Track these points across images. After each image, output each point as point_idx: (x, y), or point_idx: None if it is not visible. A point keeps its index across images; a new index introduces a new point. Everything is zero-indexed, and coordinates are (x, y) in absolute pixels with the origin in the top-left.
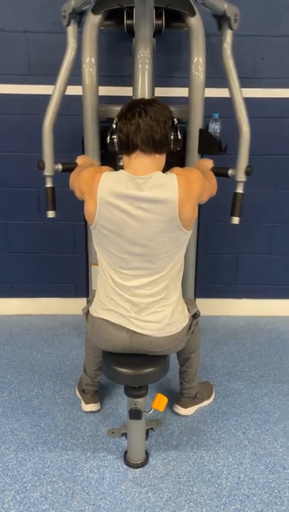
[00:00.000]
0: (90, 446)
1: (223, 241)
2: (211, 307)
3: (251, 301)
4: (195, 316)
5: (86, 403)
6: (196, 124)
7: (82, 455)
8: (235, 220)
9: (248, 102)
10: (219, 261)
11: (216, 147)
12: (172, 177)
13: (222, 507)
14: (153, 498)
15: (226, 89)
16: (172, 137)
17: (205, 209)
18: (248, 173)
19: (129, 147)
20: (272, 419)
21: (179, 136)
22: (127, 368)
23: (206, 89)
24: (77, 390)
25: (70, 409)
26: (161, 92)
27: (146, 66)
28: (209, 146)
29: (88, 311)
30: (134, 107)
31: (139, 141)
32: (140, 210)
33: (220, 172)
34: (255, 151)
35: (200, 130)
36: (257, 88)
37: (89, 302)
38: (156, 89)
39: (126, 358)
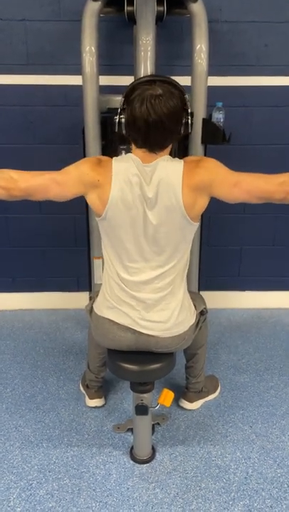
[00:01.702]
0: (95, 442)
1: (226, 233)
2: (215, 300)
3: (255, 293)
4: (202, 312)
5: (90, 398)
6: (199, 113)
7: (87, 451)
8: None
9: (251, 90)
10: (222, 253)
11: (220, 137)
12: (179, 163)
13: (230, 502)
14: (160, 494)
15: (231, 78)
16: (183, 124)
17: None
18: None
19: (137, 143)
20: (279, 412)
21: (190, 120)
22: (132, 364)
23: (209, 77)
24: (81, 385)
25: (75, 404)
26: None
27: (149, 53)
28: (213, 135)
29: (92, 308)
30: (144, 99)
31: (148, 142)
32: (147, 198)
33: None
34: (260, 141)
35: (203, 119)
36: (260, 76)
37: (92, 299)
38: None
39: (131, 355)
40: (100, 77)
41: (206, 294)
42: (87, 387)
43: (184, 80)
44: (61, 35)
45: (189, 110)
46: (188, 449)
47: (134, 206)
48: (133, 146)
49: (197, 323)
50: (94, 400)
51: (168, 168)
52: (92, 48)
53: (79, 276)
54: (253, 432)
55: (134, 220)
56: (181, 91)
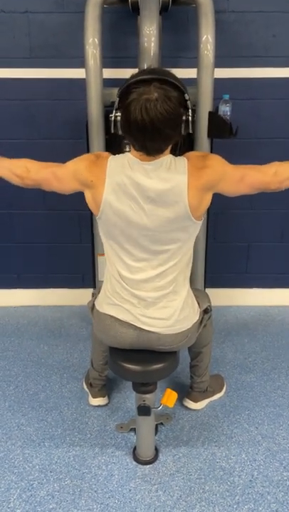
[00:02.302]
0: (98, 442)
1: (233, 229)
2: (221, 297)
3: (263, 290)
4: (206, 310)
5: (94, 397)
6: (206, 106)
7: (89, 451)
8: None
9: (259, 82)
10: (229, 249)
11: (227, 131)
12: (182, 161)
13: (235, 506)
14: (163, 496)
15: (238, 70)
16: (184, 118)
17: (214, 196)
18: None
19: (134, 147)
20: (286, 413)
21: (190, 118)
22: (134, 364)
23: (216, 69)
24: (84, 384)
25: (78, 403)
26: None
27: (152, 44)
28: (219, 129)
29: (94, 305)
30: (139, 97)
31: (145, 145)
32: (147, 197)
33: None
34: (268, 135)
35: (209, 113)
36: (268, 68)
37: (94, 296)
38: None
39: (133, 354)
40: (104, 69)
41: (212, 291)
42: (90, 385)
43: (189, 72)
44: (65, 28)
45: (190, 108)
46: (192, 450)
47: (130, 209)
48: (131, 146)
49: (201, 321)
50: (97, 399)
51: (171, 168)
52: (96, 40)
53: (84, 272)
54: (258, 433)
55: (130, 221)
56: (180, 90)
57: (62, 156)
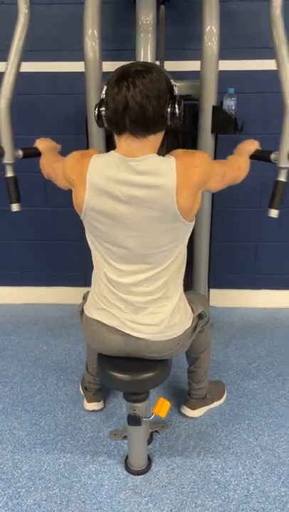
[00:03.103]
0: (90, 449)
1: (240, 228)
2: (228, 298)
3: (271, 292)
4: (201, 316)
5: (88, 401)
6: (209, 100)
7: (81, 458)
8: (274, 212)
9: (268, 74)
10: (237, 249)
11: (232, 126)
12: (170, 160)
13: None
14: (153, 509)
15: (245, 62)
16: (169, 110)
17: (220, 194)
18: None
19: (118, 128)
20: (288, 424)
21: (177, 110)
22: (123, 373)
23: (220, 61)
24: (80, 387)
25: (72, 407)
26: (171, 65)
27: (149, 35)
28: (224, 124)
29: (83, 309)
30: (122, 79)
31: (127, 123)
32: (133, 196)
33: (260, 156)
34: (277, 130)
35: (213, 107)
36: None
37: (84, 299)
38: (167, 62)
39: (122, 362)
40: (104, 62)
41: (218, 292)
42: (85, 389)
43: (193, 65)
44: (66, 19)
45: (176, 98)
46: (187, 461)
47: (113, 209)
48: (116, 140)
49: (195, 327)
50: (92, 404)
51: (159, 167)
52: (95, 32)
53: (86, 271)
54: (258, 444)
55: (115, 222)
56: (166, 76)
57: (63, 152)
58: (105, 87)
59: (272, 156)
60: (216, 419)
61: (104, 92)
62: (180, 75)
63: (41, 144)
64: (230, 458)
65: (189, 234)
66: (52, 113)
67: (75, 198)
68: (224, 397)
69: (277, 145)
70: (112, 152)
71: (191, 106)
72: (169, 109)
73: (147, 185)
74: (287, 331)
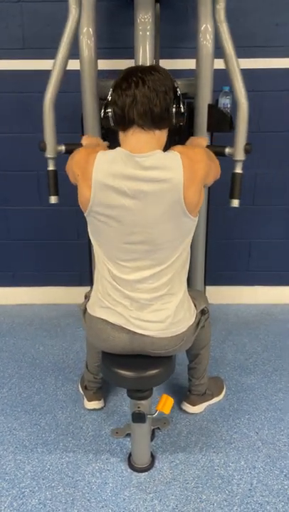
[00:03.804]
0: (92, 448)
1: (234, 225)
2: (222, 295)
3: (265, 288)
4: (203, 312)
5: (89, 400)
6: (205, 98)
7: (83, 457)
8: (235, 202)
9: (262, 73)
10: (231, 246)
11: (227, 124)
12: (176, 156)
13: None
14: (158, 506)
15: (239, 60)
16: (174, 110)
17: (215, 192)
18: (247, 151)
19: (124, 122)
20: (287, 417)
21: (182, 109)
22: (128, 371)
23: (216, 59)
24: (79, 386)
25: (72, 406)
26: (166, 64)
27: (148, 33)
28: (219, 122)
29: (86, 308)
30: (130, 76)
31: (135, 115)
32: (140, 191)
33: (216, 151)
34: (270, 128)
35: (209, 105)
36: (271, 58)
37: (87, 298)
38: (162, 61)
39: (127, 359)
40: (99, 60)
41: (213, 289)
42: (85, 388)
43: (188, 63)
44: (60, 17)
45: (181, 98)
46: (190, 457)
47: (119, 205)
48: (122, 137)
49: (198, 323)
50: (92, 402)
51: (165, 162)
52: (90, 30)
53: (81, 270)
54: (258, 438)
55: (121, 218)
56: (171, 78)
57: None
58: (111, 89)
59: (227, 151)
60: (216, 414)
61: (110, 92)
62: (175, 74)
63: (85, 140)
64: (232, 452)
65: (193, 230)
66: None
67: (79, 195)
68: (223, 392)
69: (270, 142)
70: (118, 149)
71: (187, 104)
72: (174, 108)
73: (155, 179)
74: (282, 326)
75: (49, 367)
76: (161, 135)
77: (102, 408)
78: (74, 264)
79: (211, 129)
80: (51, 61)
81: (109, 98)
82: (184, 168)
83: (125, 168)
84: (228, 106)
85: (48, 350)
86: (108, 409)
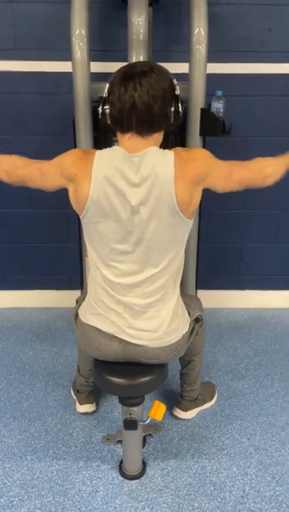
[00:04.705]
0: (82, 455)
1: (225, 229)
2: (213, 299)
3: (256, 292)
4: (197, 319)
5: (80, 404)
6: (198, 102)
7: (74, 465)
8: None
9: (254, 78)
10: (222, 250)
11: (220, 128)
12: (169, 153)
13: None
14: None
15: (231, 65)
16: (173, 109)
17: (206, 195)
18: None
19: (123, 127)
20: (279, 422)
21: (180, 109)
22: (120, 378)
23: (209, 64)
24: (72, 390)
25: (63, 412)
26: None
27: (141, 36)
28: (212, 127)
29: (77, 314)
30: (128, 79)
31: (134, 123)
32: (135, 190)
33: None
34: (263, 133)
35: (201, 109)
36: (264, 63)
37: (78, 303)
38: None
39: (119, 366)
40: (92, 63)
41: (204, 293)
42: (77, 391)
43: (181, 67)
44: (52, 18)
45: (179, 98)
46: (182, 464)
47: (117, 203)
48: (119, 136)
49: (192, 331)
50: (84, 406)
51: (158, 159)
52: (83, 32)
53: (71, 273)
54: (250, 444)
55: (118, 218)
56: (169, 76)
57: (49, 153)
58: (108, 86)
59: None
60: (208, 420)
61: (107, 90)
62: None
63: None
64: (224, 459)
65: (187, 234)
66: (37, 114)
67: (75, 195)
68: (215, 398)
69: (262, 147)
70: (116, 147)
71: (181, 100)
72: (172, 108)
73: (147, 176)
74: (273, 330)
75: (39, 372)
76: (159, 136)
77: (94, 412)
78: (64, 268)
79: (204, 133)
80: (43, 62)
81: (107, 96)
82: (175, 164)
83: (122, 167)
84: (221, 110)
85: (38, 354)
86: (99, 416)
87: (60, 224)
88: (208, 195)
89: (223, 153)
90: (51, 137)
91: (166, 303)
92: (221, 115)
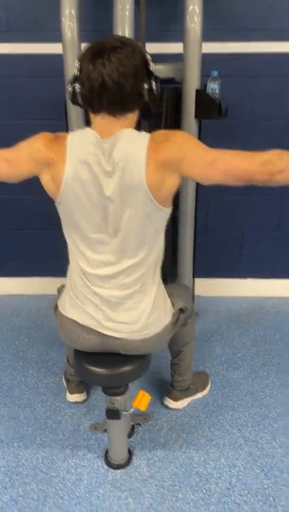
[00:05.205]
0: (69, 443)
1: (226, 216)
2: (213, 288)
3: (257, 280)
4: (182, 310)
5: (70, 393)
6: (193, 83)
7: (60, 453)
8: None
9: (254, 58)
10: (222, 237)
11: (216, 110)
12: (144, 136)
13: None
14: (133, 504)
15: (230, 44)
16: (147, 87)
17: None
18: None
19: (94, 107)
20: (272, 414)
21: (154, 86)
22: (101, 368)
23: (204, 43)
24: (63, 379)
25: (53, 400)
26: (153, 47)
27: (127, 13)
28: (207, 108)
29: (57, 305)
30: (96, 55)
31: (105, 102)
32: (109, 179)
33: None
34: (264, 116)
35: (197, 91)
36: (265, 42)
37: (59, 293)
38: (148, 44)
39: (99, 356)
40: (82, 44)
41: (204, 282)
42: (68, 381)
43: (176, 47)
44: None
45: (154, 73)
46: (169, 454)
47: (91, 189)
48: (92, 117)
49: (176, 322)
50: (74, 395)
51: (131, 142)
52: (73, 12)
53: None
54: (241, 435)
55: (92, 204)
56: (141, 51)
57: None
58: (78, 62)
59: None
60: (200, 410)
61: (77, 67)
62: (163, 58)
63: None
64: (213, 450)
65: (165, 223)
66: (29, 97)
67: (51, 180)
68: (208, 388)
69: (264, 130)
70: (88, 130)
71: (174, 89)
72: (146, 86)
73: (118, 160)
74: (273, 320)
75: (32, 359)
76: (133, 116)
77: (84, 401)
78: (62, 255)
79: (199, 115)
80: (36, 44)
81: (76, 72)
82: (148, 147)
83: (96, 152)
84: (217, 92)
85: (33, 342)
86: (89, 404)
87: (55, 211)
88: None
89: (221, 138)
90: (44, 122)
91: (146, 294)
92: (217, 96)
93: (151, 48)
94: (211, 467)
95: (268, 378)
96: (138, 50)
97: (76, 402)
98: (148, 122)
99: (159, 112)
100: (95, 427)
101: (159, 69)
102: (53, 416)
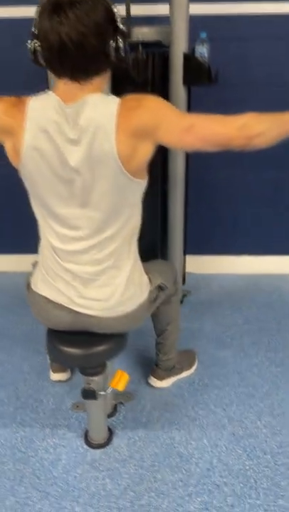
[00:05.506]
0: (50, 422)
1: (220, 190)
2: (207, 265)
3: (252, 258)
4: (161, 287)
5: (54, 372)
6: (179, 47)
7: (39, 432)
8: None
9: (248, 19)
10: (216, 213)
11: (205, 75)
12: (113, 101)
13: (186, 498)
14: (110, 484)
15: (221, 5)
16: (113, 45)
17: (198, 154)
18: None
19: (55, 70)
20: (258, 394)
21: (121, 44)
22: (74, 348)
23: (191, 4)
24: (48, 357)
25: (37, 378)
26: (139, 9)
27: None
28: (196, 74)
29: (30, 282)
30: (53, 11)
31: (66, 66)
32: (74, 148)
33: None
34: (257, 81)
35: (184, 55)
36: (259, 2)
37: (33, 267)
38: (133, 6)
39: (73, 336)
40: None
41: (197, 259)
42: (52, 359)
43: (162, 9)
44: None
45: (119, 27)
46: (150, 434)
47: (53, 159)
48: (54, 80)
49: (155, 300)
50: (57, 374)
51: (98, 108)
52: None
53: None
54: (225, 415)
55: (56, 177)
56: (106, 5)
57: None
58: (36, 18)
59: None
60: (184, 389)
61: (35, 22)
62: (149, 20)
63: None
64: (196, 430)
65: (140, 195)
66: (14, 65)
67: (13, 149)
68: (194, 366)
69: (257, 96)
70: (50, 94)
71: (161, 54)
72: (112, 43)
73: (85, 128)
74: (267, 297)
75: (19, 337)
76: (101, 80)
77: (67, 380)
78: None
79: (188, 81)
80: (19, 8)
81: (34, 30)
82: (118, 114)
83: (58, 119)
84: (206, 55)
85: (20, 319)
86: (72, 382)
87: None
88: (198, 155)
89: (212, 105)
90: (30, 92)
91: (120, 269)
92: (206, 60)
93: (137, 9)
94: (192, 447)
95: (257, 357)
96: (101, 3)
97: (59, 381)
98: (129, 88)
99: (145, 78)
100: (77, 406)
101: (144, 32)
102: (35, 395)
